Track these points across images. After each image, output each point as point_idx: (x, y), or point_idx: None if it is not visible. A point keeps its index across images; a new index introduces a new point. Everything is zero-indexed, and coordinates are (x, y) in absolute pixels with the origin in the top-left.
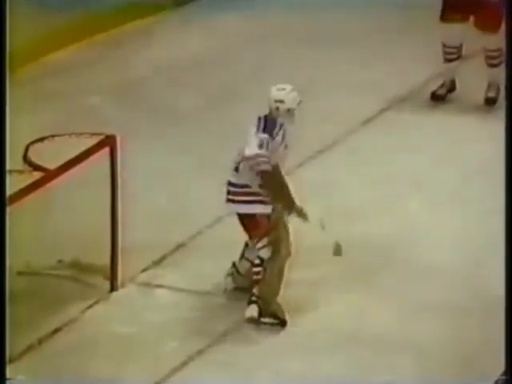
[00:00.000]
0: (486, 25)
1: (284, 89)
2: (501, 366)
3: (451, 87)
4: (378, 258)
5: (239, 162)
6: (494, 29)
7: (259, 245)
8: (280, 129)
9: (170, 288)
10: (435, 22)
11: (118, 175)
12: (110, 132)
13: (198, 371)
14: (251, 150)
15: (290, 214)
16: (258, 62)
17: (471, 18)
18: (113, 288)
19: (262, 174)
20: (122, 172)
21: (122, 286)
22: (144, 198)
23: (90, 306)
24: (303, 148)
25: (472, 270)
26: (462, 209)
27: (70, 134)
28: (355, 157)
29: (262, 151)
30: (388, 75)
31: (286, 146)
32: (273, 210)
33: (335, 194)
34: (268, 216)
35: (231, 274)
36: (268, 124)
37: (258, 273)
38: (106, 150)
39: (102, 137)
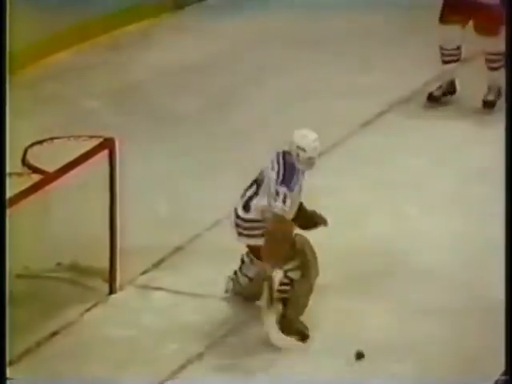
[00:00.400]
0: (486, 28)
1: (307, 136)
2: (501, 366)
3: (451, 89)
4: (377, 261)
5: (249, 199)
6: (493, 32)
7: (288, 267)
8: (298, 179)
9: (168, 291)
10: (436, 23)
11: (116, 178)
12: (109, 135)
13: (198, 374)
14: (276, 206)
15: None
16: (258, 65)
17: (470, 22)
18: (111, 291)
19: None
20: (121, 175)
21: (121, 288)
22: (143, 200)
23: (89, 309)
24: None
25: (471, 273)
26: (461, 212)
27: (69, 137)
28: (354, 159)
29: (286, 207)
30: (388, 77)
31: (300, 190)
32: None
33: (334, 196)
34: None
35: (233, 280)
36: (287, 174)
37: (285, 291)
38: (105, 152)
39: (100, 139)
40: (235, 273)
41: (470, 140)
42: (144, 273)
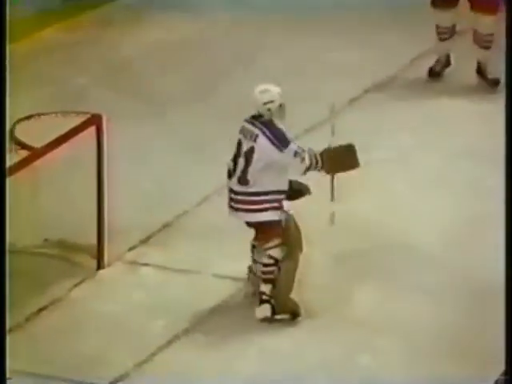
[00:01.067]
0: (483, 7)
1: (267, 90)
2: (501, 366)
3: (446, 63)
4: (364, 238)
5: (243, 173)
6: (491, 11)
7: (269, 245)
8: (284, 129)
9: (156, 267)
10: (422, 5)
11: (104, 154)
12: (97, 112)
13: (185, 350)
14: (301, 168)
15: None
16: (245, 46)
17: (467, 3)
18: (99, 267)
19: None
20: (110, 152)
21: (109, 264)
22: (131, 177)
23: (77, 285)
24: (289, 129)
25: (459, 251)
26: (449, 188)
27: (57, 113)
28: (341, 137)
29: (307, 161)
30: (374, 55)
31: None
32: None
33: (320, 173)
34: (279, 221)
35: (249, 279)
36: (277, 133)
37: (270, 272)
38: (93, 129)
39: (88, 116)
40: (250, 269)
41: (458, 116)
42: (132, 249)
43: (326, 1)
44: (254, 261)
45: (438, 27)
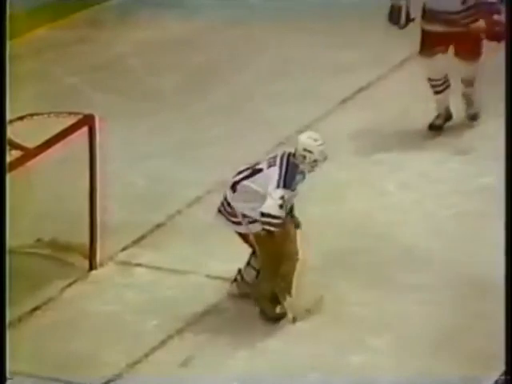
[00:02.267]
0: (467, 55)
1: (316, 140)
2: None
3: (447, 116)
4: (356, 237)
5: (237, 182)
6: (474, 58)
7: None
8: (298, 180)
9: (149, 267)
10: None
11: (96, 154)
12: (88, 112)
13: (178, 350)
14: (270, 207)
15: None
16: (237, 44)
17: (451, 48)
18: (91, 267)
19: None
20: (102, 152)
21: (101, 265)
22: (123, 177)
23: (69, 285)
24: (283, 128)
25: (450, 250)
26: (441, 188)
27: (49, 113)
28: (334, 135)
29: (281, 213)
30: (366, 54)
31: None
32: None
33: (313, 172)
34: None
35: (235, 280)
36: (289, 175)
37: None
38: (85, 129)
39: (80, 116)
40: (239, 271)
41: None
42: (124, 249)
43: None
44: (251, 266)
45: (430, 80)
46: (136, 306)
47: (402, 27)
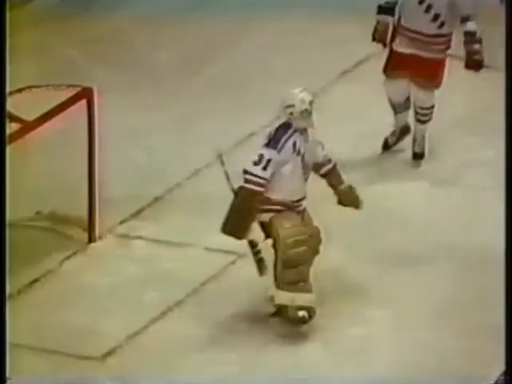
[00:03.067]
0: (427, 82)
1: (292, 93)
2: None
3: (404, 131)
4: (355, 212)
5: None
6: (433, 87)
7: None
8: (289, 137)
9: (148, 240)
10: None
11: (95, 127)
12: (87, 85)
13: (177, 322)
14: (248, 165)
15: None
16: (237, 18)
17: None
18: (91, 240)
19: (238, 191)
20: (101, 125)
21: (100, 237)
22: (122, 150)
23: (68, 258)
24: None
25: (447, 222)
26: (441, 160)
27: (48, 86)
28: (334, 110)
29: (255, 170)
30: (365, 27)
31: (302, 156)
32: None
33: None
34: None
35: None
36: (276, 135)
37: None
38: (84, 102)
39: (78, 89)
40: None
41: (448, 88)
42: (123, 222)
43: None
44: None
45: (391, 101)
46: (135, 279)
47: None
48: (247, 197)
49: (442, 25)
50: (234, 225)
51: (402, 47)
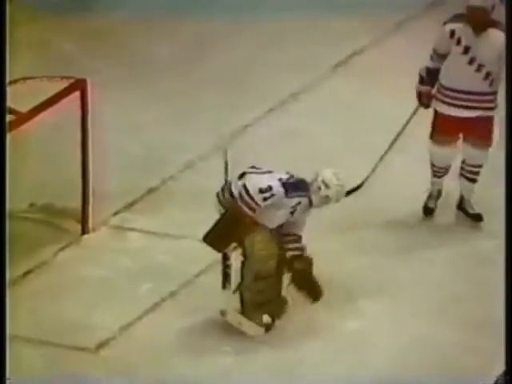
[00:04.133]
0: (478, 142)
1: (338, 179)
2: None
3: (438, 196)
4: (351, 205)
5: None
6: (486, 145)
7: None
8: (301, 196)
9: (141, 232)
10: None
11: (88, 119)
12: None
13: (171, 313)
14: (251, 185)
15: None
16: (234, 11)
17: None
18: (84, 231)
19: (228, 211)
20: (97, 117)
21: (94, 229)
22: (117, 143)
23: (62, 249)
24: (275, 94)
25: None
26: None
27: (42, 77)
28: (328, 102)
29: (258, 197)
30: (360, 20)
31: (293, 212)
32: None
33: (307, 139)
34: None
35: None
36: (293, 183)
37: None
38: (79, 94)
39: (72, 80)
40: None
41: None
42: (116, 214)
43: None
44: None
45: (433, 165)
46: (129, 270)
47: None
48: (236, 214)
49: (492, 82)
50: (217, 238)
51: (449, 109)
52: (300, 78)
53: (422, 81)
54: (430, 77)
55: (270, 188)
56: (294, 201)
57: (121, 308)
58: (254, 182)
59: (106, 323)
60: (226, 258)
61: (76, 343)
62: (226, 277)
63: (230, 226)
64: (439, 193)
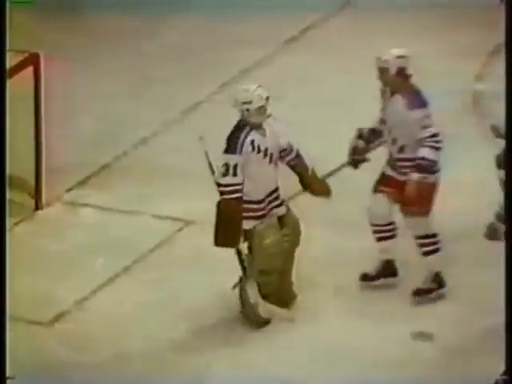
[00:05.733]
0: (411, 208)
1: (247, 89)
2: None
3: (391, 272)
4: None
5: None
6: (420, 212)
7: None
8: (245, 137)
9: (95, 207)
10: None
11: (41, 94)
12: (40, 51)
13: (125, 287)
14: (218, 178)
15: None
16: None
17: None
18: (38, 207)
19: (217, 205)
20: (52, 92)
21: (48, 205)
22: (72, 118)
23: (16, 224)
24: (227, 69)
25: None
26: None
27: None
28: (281, 77)
29: (224, 180)
30: None
31: (264, 151)
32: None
33: None
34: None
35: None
36: (232, 139)
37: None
38: (31, 69)
39: (25, 55)
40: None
41: None
42: (70, 190)
43: None
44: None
45: (372, 225)
46: (83, 245)
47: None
48: (229, 207)
49: (401, 149)
50: (225, 236)
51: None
52: (251, 54)
53: (360, 136)
54: (371, 137)
55: (226, 164)
56: (248, 146)
57: (76, 282)
58: (217, 172)
59: (61, 297)
60: (239, 253)
61: (33, 316)
62: (244, 270)
63: (230, 220)
64: (391, 266)
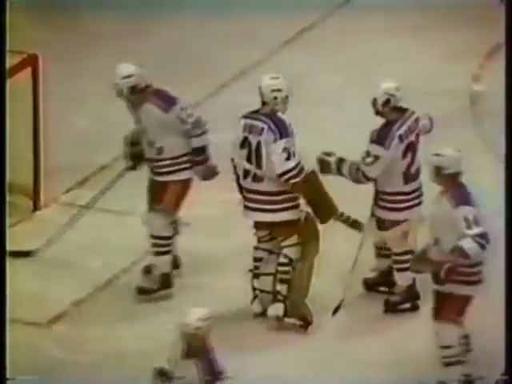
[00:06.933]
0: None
1: (278, 77)
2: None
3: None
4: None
5: (255, 172)
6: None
7: (286, 243)
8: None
9: (93, 209)
10: None
11: (39, 95)
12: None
13: (123, 289)
14: (282, 166)
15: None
16: None
17: None
18: (36, 208)
19: (296, 187)
20: (49, 93)
21: (46, 206)
22: (69, 119)
23: (14, 225)
24: (226, 70)
25: None
26: None
27: None
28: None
29: (292, 163)
30: None
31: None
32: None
33: None
34: (297, 220)
35: (255, 297)
36: (281, 125)
37: (286, 272)
38: (30, 70)
39: (24, 56)
40: (254, 289)
41: (387, 56)
42: (68, 191)
43: None
44: (263, 274)
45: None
46: (81, 247)
47: None
48: (314, 181)
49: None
50: (324, 210)
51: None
52: (250, 54)
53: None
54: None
55: (286, 149)
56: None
57: (74, 283)
58: (279, 160)
59: (58, 298)
60: (341, 215)
61: (30, 317)
62: (355, 224)
63: (320, 195)
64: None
